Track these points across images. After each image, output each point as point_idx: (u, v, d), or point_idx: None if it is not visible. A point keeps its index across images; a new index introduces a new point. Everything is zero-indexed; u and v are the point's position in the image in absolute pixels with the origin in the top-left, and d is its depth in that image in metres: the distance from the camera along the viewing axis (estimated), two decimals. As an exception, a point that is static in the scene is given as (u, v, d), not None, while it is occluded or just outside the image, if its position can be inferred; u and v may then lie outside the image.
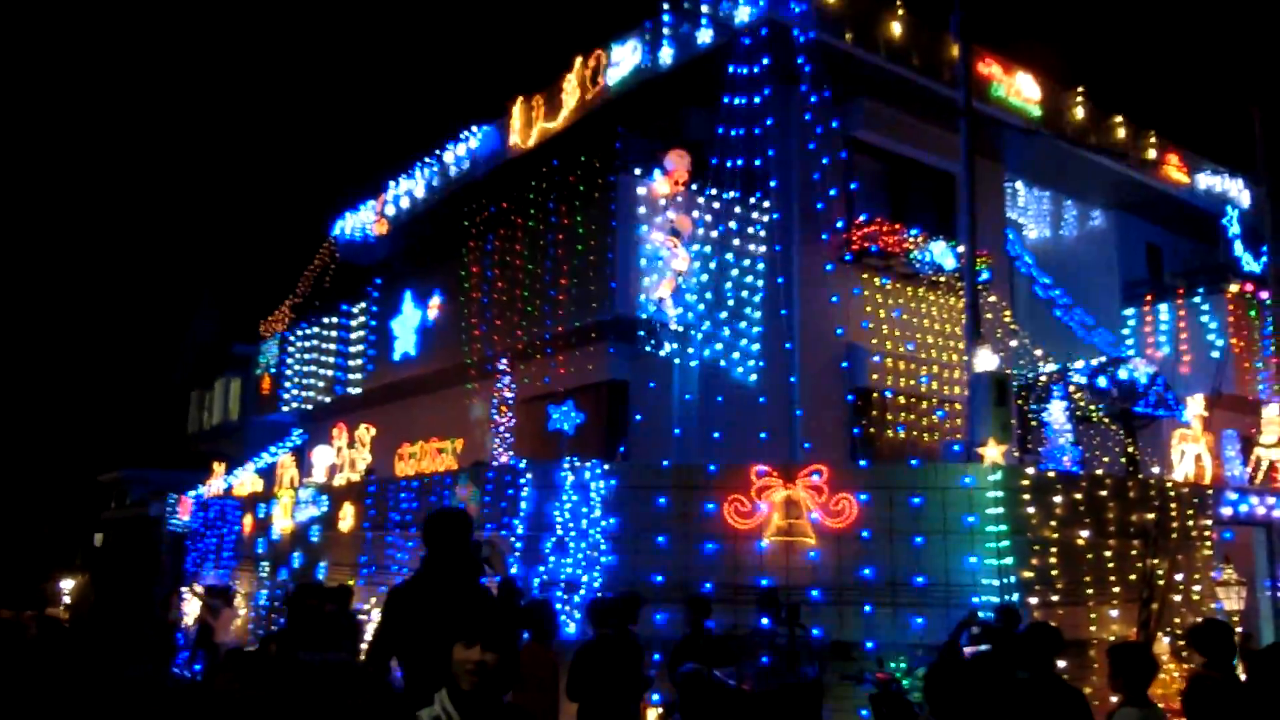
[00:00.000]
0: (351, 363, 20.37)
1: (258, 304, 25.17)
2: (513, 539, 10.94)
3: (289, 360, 22.43)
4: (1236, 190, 21.22)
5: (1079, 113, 18.52)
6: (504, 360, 14.52)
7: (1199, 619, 11.62)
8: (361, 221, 22.41)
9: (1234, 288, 18.38)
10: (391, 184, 21.43)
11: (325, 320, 21.40)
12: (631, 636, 7.65)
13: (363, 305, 20.34)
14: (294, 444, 21.80)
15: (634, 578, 10.31)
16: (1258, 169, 17.47)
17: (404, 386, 18.75)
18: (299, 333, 22.29)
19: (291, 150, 66.65)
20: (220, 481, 21.74)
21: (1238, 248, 19.20)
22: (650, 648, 9.43)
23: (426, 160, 20.44)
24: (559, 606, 10.17)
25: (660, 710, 9.32)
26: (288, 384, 22.26)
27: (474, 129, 19.31)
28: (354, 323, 20.55)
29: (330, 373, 20.88)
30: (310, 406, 21.58)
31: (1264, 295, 17.60)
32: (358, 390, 19.95)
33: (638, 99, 15.53)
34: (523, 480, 11.25)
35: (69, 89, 64.94)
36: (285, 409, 22.36)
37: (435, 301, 17.84)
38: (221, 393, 27.24)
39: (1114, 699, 5.06)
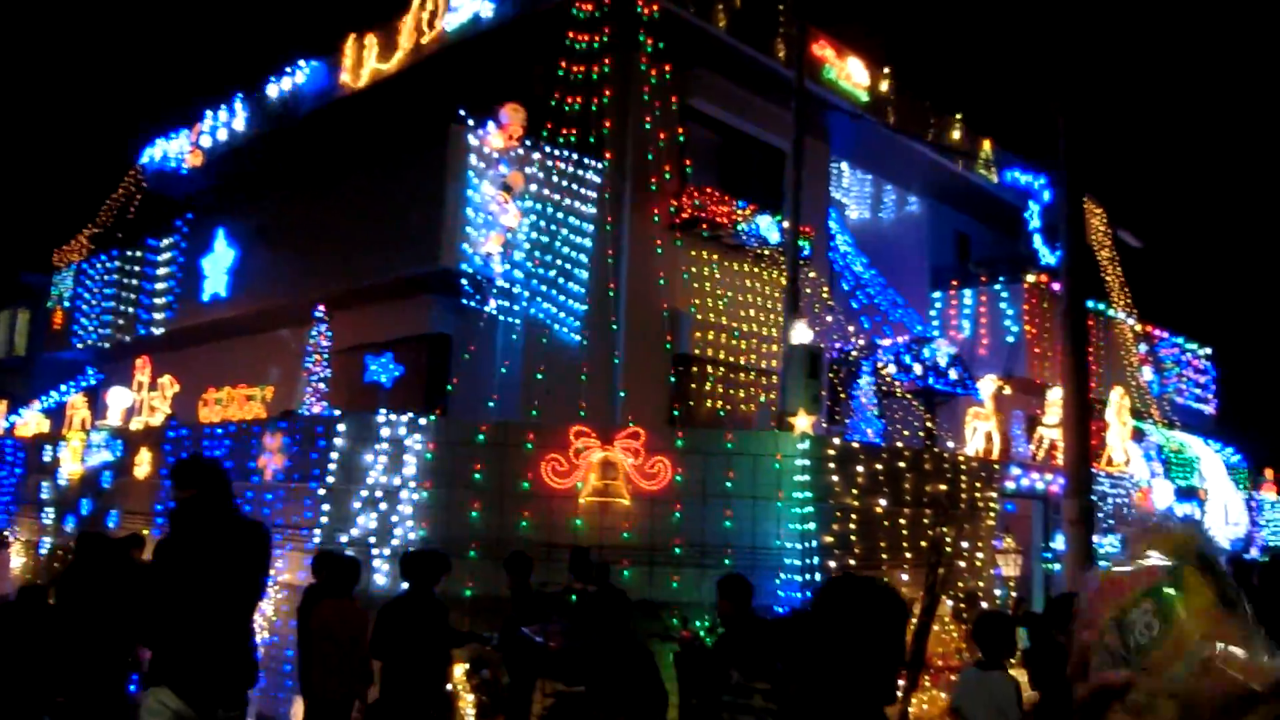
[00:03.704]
0: (156, 300, 19.22)
1: (52, 230, 23.43)
2: (321, 491, 10.63)
3: (85, 294, 20.95)
4: (1039, 187, 22.62)
5: (902, 102, 19.28)
6: (321, 307, 14.01)
7: (979, 583, 12.55)
8: (174, 150, 21.09)
9: (1031, 278, 19.64)
10: (209, 113, 20.23)
11: (128, 253, 20.09)
12: (432, 594, 7.58)
13: (171, 240, 19.18)
14: (88, 384, 20.46)
15: (448, 534, 10.20)
16: (1058, 167, 18.65)
17: (212, 329, 17.83)
18: (98, 265, 20.82)
19: (98, 63, 61.96)
20: (0, 421, 20.22)
21: (1037, 241, 20.50)
22: (461, 605, 9.39)
23: (249, 92, 19.39)
24: (370, 560, 9.98)
25: (467, 666, 9.30)
26: (83, 319, 20.81)
27: (302, 63, 18.45)
28: (160, 258, 19.37)
29: (132, 310, 19.64)
30: (108, 345, 20.26)
31: (1056, 287, 18.88)
32: (161, 330, 18.87)
33: (476, 49, 15.16)
34: (336, 431, 10.93)
35: None
36: (79, 346, 20.91)
37: (250, 241, 17.02)
38: (6, 324, 25.25)
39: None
